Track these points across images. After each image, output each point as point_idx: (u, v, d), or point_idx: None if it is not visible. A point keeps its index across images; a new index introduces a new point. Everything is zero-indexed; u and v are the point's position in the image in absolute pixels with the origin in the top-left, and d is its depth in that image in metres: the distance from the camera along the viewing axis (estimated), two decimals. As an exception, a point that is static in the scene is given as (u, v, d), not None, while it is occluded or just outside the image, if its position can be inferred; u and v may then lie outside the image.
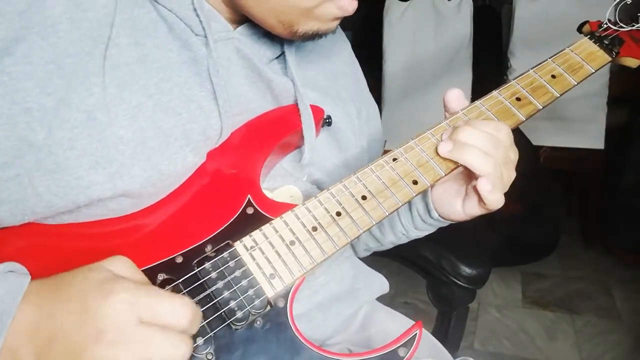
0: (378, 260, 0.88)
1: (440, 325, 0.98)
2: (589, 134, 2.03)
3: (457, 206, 0.60)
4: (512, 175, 0.56)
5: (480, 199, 0.55)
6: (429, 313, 1.03)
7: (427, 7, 2.13)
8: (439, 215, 0.64)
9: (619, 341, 1.79)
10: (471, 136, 0.53)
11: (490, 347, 1.81)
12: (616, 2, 0.68)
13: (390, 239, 0.75)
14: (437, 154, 0.56)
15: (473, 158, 0.53)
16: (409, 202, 0.57)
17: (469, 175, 0.57)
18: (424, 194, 0.63)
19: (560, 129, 2.06)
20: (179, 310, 0.40)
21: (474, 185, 0.54)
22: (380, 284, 0.77)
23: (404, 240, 0.74)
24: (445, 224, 0.66)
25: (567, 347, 1.79)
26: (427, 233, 0.71)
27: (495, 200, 0.54)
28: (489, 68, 2.21)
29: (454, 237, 0.97)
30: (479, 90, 2.17)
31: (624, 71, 0.71)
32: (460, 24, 2.11)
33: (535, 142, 2.09)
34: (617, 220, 2.20)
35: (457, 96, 0.59)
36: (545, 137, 2.10)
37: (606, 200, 2.23)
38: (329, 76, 0.67)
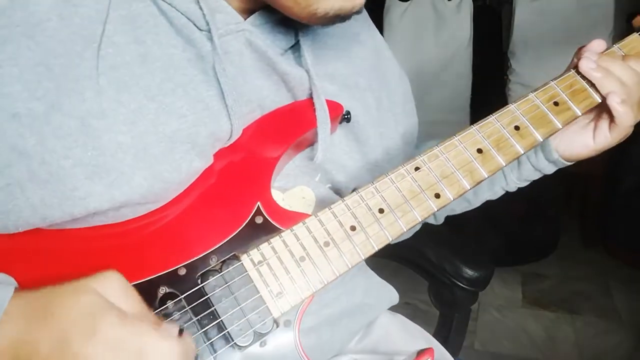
0: (378, 260, 0.87)
1: (442, 327, 0.97)
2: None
3: (587, 140, 0.62)
4: None
5: (612, 121, 0.58)
6: (429, 314, 1.03)
7: (427, 7, 2.12)
8: (560, 155, 0.64)
9: (619, 341, 1.79)
10: (614, 66, 0.57)
11: (490, 347, 1.81)
12: None
13: (484, 197, 0.73)
14: (464, 164, 0.52)
15: (609, 82, 0.56)
16: None
17: (598, 111, 0.60)
18: None
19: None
20: (164, 355, 0.38)
21: (607, 115, 0.58)
22: (389, 296, 0.74)
23: (499, 194, 0.72)
24: (562, 165, 0.66)
25: (567, 347, 1.79)
26: (527, 183, 0.70)
27: (626, 113, 0.56)
28: (489, 68, 2.21)
29: (455, 238, 0.97)
30: (478, 91, 2.18)
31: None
32: (460, 24, 2.10)
33: (535, 142, 2.09)
34: (617, 220, 2.20)
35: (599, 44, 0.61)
36: (545, 137, 2.10)
37: (606, 200, 2.23)
38: (347, 63, 0.62)
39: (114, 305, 0.39)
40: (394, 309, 0.79)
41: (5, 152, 0.41)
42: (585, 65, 0.57)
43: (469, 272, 0.90)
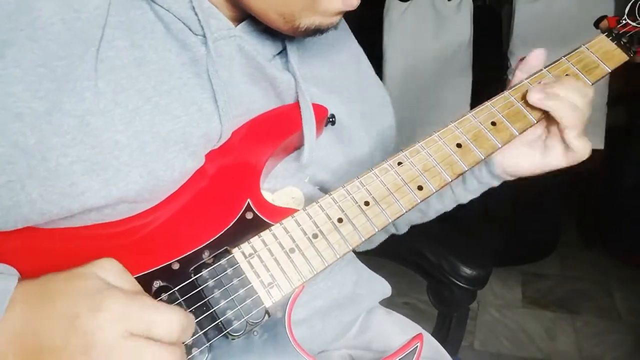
0: (377, 260, 0.88)
1: (441, 326, 0.97)
2: (588, 134, 2.02)
3: (533, 157, 0.62)
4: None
5: (566, 149, 0.58)
6: (428, 313, 1.03)
7: (427, 7, 2.12)
8: (504, 171, 0.64)
9: (619, 341, 1.79)
10: (561, 89, 0.56)
11: (490, 347, 1.81)
12: None
13: (437, 208, 0.74)
14: (444, 158, 0.55)
15: (563, 108, 0.55)
16: None
17: (548, 128, 0.60)
18: None
19: (560, 129, 2.05)
20: (171, 322, 0.39)
21: (559, 136, 0.58)
22: (382, 288, 0.76)
23: (451, 206, 0.73)
24: (501, 180, 0.66)
25: (567, 347, 1.79)
26: (479, 193, 0.70)
27: (583, 145, 0.57)
28: (489, 68, 2.21)
29: (454, 238, 0.97)
30: (478, 91, 2.18)
31: (624, 71, 0.70)
32: (460, 24, 2.10)
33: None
34: (617, 220, 2.20)
35: (538, 54, 0.61)
36: (545, 137, 2.10)
37: (606, 200, 2.23)
38: (332, 69, 0.66)
39: (115, 285, 0.40)
40: (391, 307, 0.79)
41: (7, 150, 0.43)
42: (533, 97, 0.57)
43: (467, 271, 0.90)
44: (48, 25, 0.43)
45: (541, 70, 0.62)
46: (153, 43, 0.49)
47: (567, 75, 0.61)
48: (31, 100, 0.43)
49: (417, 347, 0.51)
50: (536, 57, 0.62)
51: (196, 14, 0.50)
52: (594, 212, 2.30)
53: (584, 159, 0.59)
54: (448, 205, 0.73)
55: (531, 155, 0.62)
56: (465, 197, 0.71)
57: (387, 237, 0.81)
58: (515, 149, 0.62)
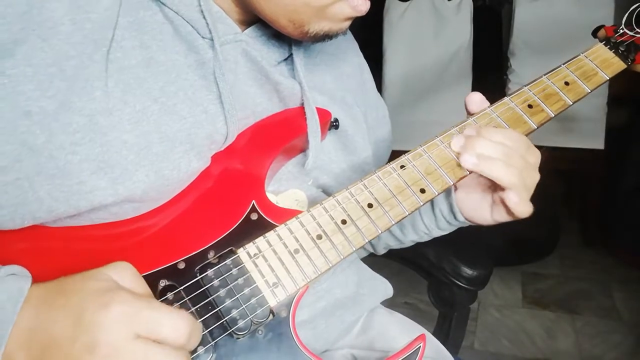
0: (378, 260, 0.88)
1: (441, 326, 0.98)
2: (589, 134, 2.03)
3: (484, 213, 0.61)
4: (536, 177, 0.56)
5: (508, 209, 0.55)
6: (429, 313, 1.03)
7: (427, 7, 2.13)
8: (465, 218, 0.64)
9: (619, 341, 1.80)
10: (489, 148, 0.53)
11: (490, 347, 1.81)
12: (633, 7, 0.66)
13: (412, 238, 0.75)
14: (446, 162, 0.55)
15: (499, 171, 0.52)
16: (432, 202, 0.56)
17: (492, 186, 0.57)
18: (447, 194, 0.64)
19: (560, 129, 2.06)
20: (178, 326, 0.40)
21: (500, 197, 0.55)
22: (384, 288, 0.76)
23: (426, 238, 0.74)
24: (467, 224, 0.66)
25: (567, 347, 1.79)
26: (450, 231, 0.71)
27: (523, 210, 0.54)
28: (489, 68, 2.21)
29: (454, 237, 0.97)
30: (479, 91, 2.18)
31: (624, 71, 0.71)
32: (460, 24, 2.11)
33: (535, 142, 2.08)
34: (617, 220, 2.20)
35: (479, 99, 0.60)
36: (545, 137, 2.10)
37: (606, 200, 2.24)
38: (335, 78, 0.67)
39: (126, 287, 0.41)
40: (392, 307, 0.79)
41: (16, 148, 0.43)
42: (468, 163, 0.53)
43: (467, 271, 0.90)
44: (59, 25, 0.44)
45: (541, 77, 0.63)
46: (161, 44, 0.50)
47: (494, 124, 0.59)
48: (41, 98, 0.43)
49: (419, 347, 0.51)
50: (478, 101, 0.60)
51: (204, 18, 0.51)
52: (594, 212, 2.30)
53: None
54: (422, 237, 0.74)
55: (482, 212, 0.61)
56: (438, 232, 0.71)
57: (366, 254, 0.82)
58: (470, 201, 0.62)
